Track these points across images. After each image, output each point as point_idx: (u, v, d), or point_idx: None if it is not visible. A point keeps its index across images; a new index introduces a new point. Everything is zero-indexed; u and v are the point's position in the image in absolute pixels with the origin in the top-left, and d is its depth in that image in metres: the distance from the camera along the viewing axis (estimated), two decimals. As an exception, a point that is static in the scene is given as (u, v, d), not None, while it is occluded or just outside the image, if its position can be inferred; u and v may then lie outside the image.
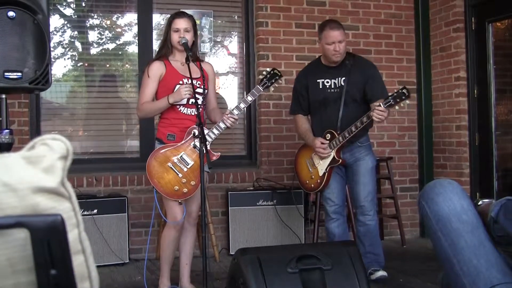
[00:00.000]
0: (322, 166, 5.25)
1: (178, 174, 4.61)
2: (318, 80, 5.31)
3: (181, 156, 4.62)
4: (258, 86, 4.86)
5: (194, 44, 4.76)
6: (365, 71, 5.28)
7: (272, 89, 4.99)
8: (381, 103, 4.82)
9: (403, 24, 7.47)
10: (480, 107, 6.81)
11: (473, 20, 6.87)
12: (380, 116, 4.81)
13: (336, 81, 5.26)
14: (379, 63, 7.16)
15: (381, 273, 5.19)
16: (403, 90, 4.83)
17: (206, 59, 7.00)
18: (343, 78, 5.23)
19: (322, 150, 5.17)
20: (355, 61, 5.32)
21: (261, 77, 4.93)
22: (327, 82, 5.29)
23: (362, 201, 5.25)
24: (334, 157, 5.18)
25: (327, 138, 5.19)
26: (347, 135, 5.05)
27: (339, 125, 5.17)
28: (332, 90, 5.26)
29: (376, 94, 5.13)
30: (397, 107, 4.89)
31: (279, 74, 4.89)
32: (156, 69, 4.71)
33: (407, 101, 4.89)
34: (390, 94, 4.90)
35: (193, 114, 4.63)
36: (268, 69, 4.92)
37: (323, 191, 5.36)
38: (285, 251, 3.46)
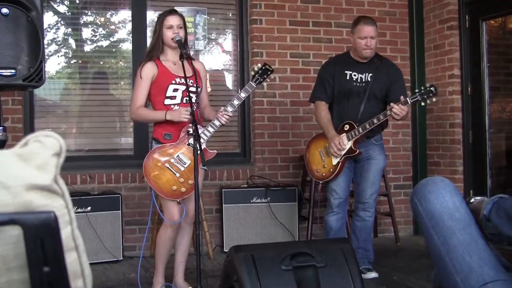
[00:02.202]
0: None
1: (175, 174, 4.60)
2: (346, 71, 5.37)
3: (178, 155, 4.61)
4: (250, 82, 4.84)
5: (185, 42, 4.75)
6: (391, 72, 5.41)
7: (265, 84, 4.99)
8: (407, 99, 4.95)
9: (397, 22, 7.48)
10: (474, 105, 6.83)
11: (467, 18, 6.88)
12: (398, 112, 4.92)
13: (363, 76, 5.34)
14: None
15: (373, 274, 5.28)
16: (431, 88, 4.99)
17: (201, 56, 7.00)
18: (370, 75, 5.32)
19: (336, 150, 5.19)
20: (382, 61, 5.44)
21: (253, 73, 4.92)
22: (355, 75, 5.35)
23: (367, 198, 5.33)
24: (351, 147, 5.21)
25: (345, 129, 5.25)
26: (367, 127, 5.12)
27: (359, 119, 5.23)
28: (358, 84, 5.33)
29: (399, 96, 5.18)
30: (423, 103, 5.07)
31: (271, 69, 4.88)
32: (149, 70, 4.68)
33: (434, 99, 5.03)
34: (417, 90, 5.05)
35: (188, 113, 4.61)
36: (259, 65, 4.91)
37: (331, 182, 5.38)
38: (279, 248, 3.46)
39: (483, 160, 6.71)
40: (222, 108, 4.71)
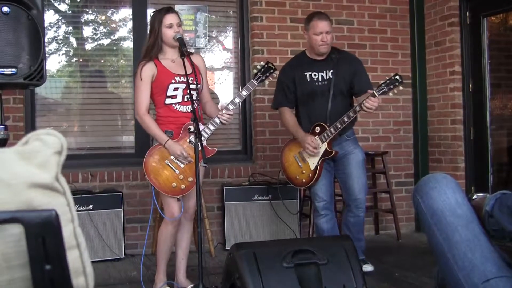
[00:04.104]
0: (313, 159, 5.25)
1: (175, 171, 4.61)
2: (305, 73, 5.32)
3: (178, 152, 4.63)
4: (252, 80, 4.85)
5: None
6: (352, 64, 5.35)
7: (267, 82, 4.99)
8: (374, 91, 4.88)
9: (398, 19, 7.47)
10: (475, 101, 6.82)
11: (467, 15, 6.87)
12: (371, 106, 4.87)
13: (324, 74, 5.29)
14: (374, 58, 7.18)
15: (369, 268, 5.27)
16: (396, 77, 4.91)
17: (201, 54, 6.99)
18: (331, 71, 5.27)
19: (312, 149, 5.17)
20: (340, 54, 5.38)
21: (255, 71, 4.92)
22: (315, 75, 5.31)
23: (357, 195, 5.27)
24: (326, 149, 5.18)
25: (317, 131, 5.21)
26: (339, 126, 5.07)
27: (328, 118, 5.19)
28: (320, 83, 5.29)
29: (363, 87, 5.21)
30: (390, 94, 4.98)
31: (273, 67, 4.88)
32: (148, 71, 4.65)
33: (400, 87, 4.96)
34: (383, 81, 4.96)
35: (188, 111, 4.61)
36: (262, 63, 4.91)
37: (312, 187, 5.36)
38: (281, 246, 3.46)
39: (484, 156, 6.70)
40: (223, 106, 4.71)
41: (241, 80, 7.05)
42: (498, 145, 6.83)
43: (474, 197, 2.42)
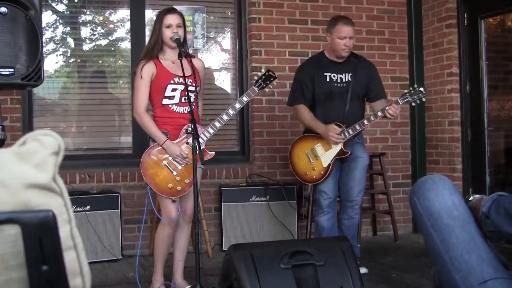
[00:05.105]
0: (326, 157, 5.27)
1: (172, 172, 4.61)
2: (325, 73, 5.35)
3: (176, 154, 4.63)
4: (253, 87, 4.89)
5: (184, 40, 4.73)
6: (369, 70, 5.45)
7: (267, 90, 5.02)
8: (398, 99, 5.02)
9: (396, 20, 7.48)
10: (473, 103, 6.83)
11: (465, 16, 6.88)
12: (393, 113, 4.99)
13: (343, 76, 5.33)
14: (372, 59, 7.13)
15: (363, 270, 5.26)
16: (421, 88, 5.06)
17: (199, 55, 6.99)
18: (350, 74, 5.32)
19: (337, 136, 5.17)
20: (358, 59, 5.45)
21: (256, 78, 4.94)
22: (334, 76, 5.34)
23: (355, 196, 5.35)
24: (341, 148, 5.21)
25: None
26: (358, 128, 5.15)
27: (345, 120, 5.23)
28: (339, 85, 5.32)
29: (379, 93, 5.36)
30: (413, 104, 5.16)
31: (274, 76, 4.93)
32: (148, 70, 4.65)
33: (423, 99, 5.10)
34: (406, 90, 5.10)
35: (185, 112, 4.60)
36: (263, 70, 4.93)
37: (319, 184, 5.37)
38: (278, 247, 3.46)
39: (482, 158, 6.71)
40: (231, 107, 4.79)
41: (239, 81, 7.05)
42: (496, 146, 6.84)
43: (471, 198, 2.42)
